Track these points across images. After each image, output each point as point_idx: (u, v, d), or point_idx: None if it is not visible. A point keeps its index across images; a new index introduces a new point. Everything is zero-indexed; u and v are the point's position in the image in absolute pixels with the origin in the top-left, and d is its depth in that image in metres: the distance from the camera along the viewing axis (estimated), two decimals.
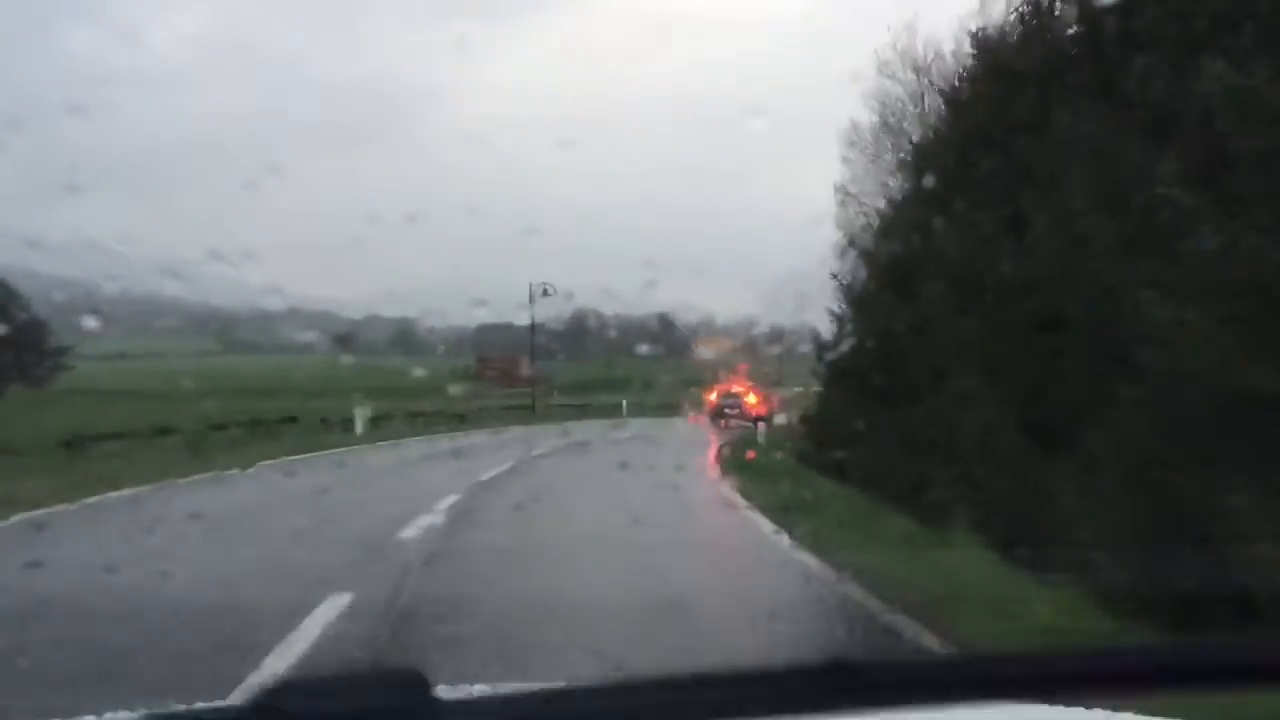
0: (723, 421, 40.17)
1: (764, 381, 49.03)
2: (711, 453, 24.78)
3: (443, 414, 40.23)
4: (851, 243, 28.73)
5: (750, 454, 22.76)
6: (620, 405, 48.72)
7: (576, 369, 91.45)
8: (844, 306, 20.89)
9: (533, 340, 37.09)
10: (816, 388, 23.89)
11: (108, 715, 1.68)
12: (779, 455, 22.61)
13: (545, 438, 27.43)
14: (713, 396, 43.25)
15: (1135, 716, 1.57)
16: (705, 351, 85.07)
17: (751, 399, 41.26)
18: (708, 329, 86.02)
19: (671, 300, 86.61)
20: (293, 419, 30.77)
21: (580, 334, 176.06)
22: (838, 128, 31.68)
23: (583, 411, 47.55)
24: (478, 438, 30.65)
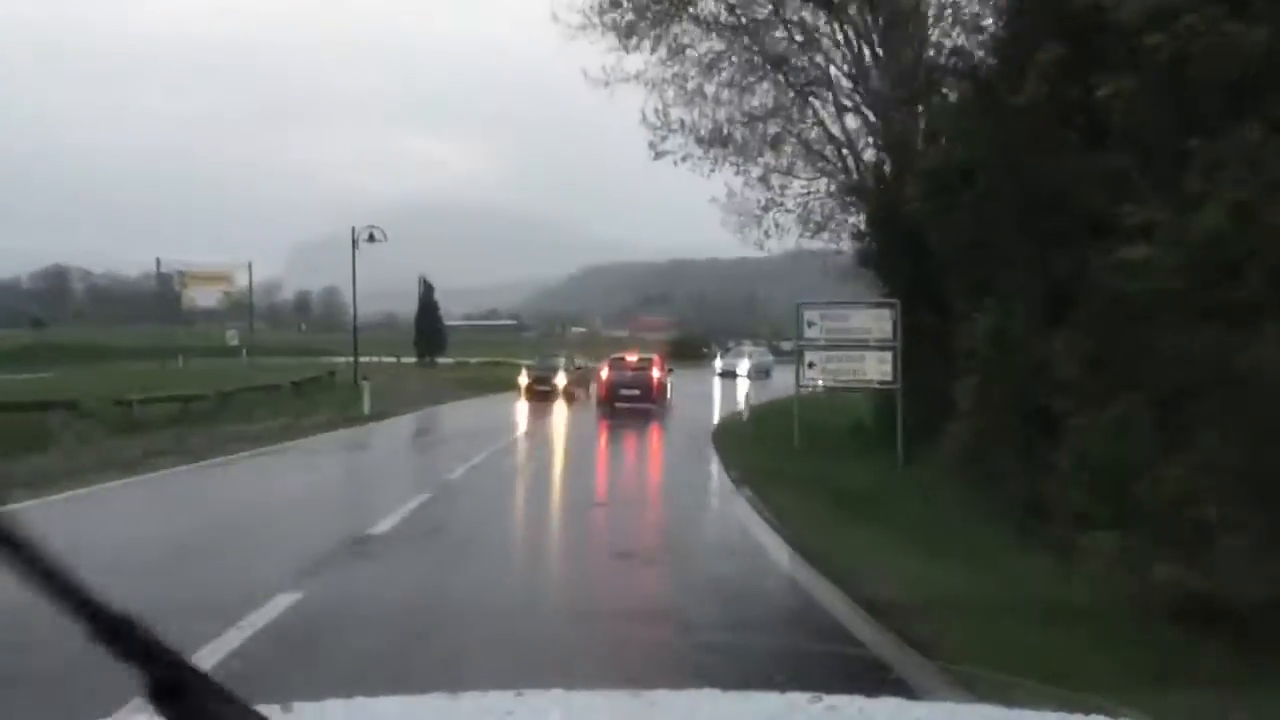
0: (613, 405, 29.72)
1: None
2: None
3: None
4: None
5: None
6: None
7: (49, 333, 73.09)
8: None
9: None
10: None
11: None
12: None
13: None
14: (605, 372, 31.63)
15: (1135, 715, 1.57)
16: (202, 297, 66.69)
17: (656, 373, 31.33)
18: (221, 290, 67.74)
19: (179, 263, 70.23)
20: None
21: (61, 294, 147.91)
22: None
23: None
24: None
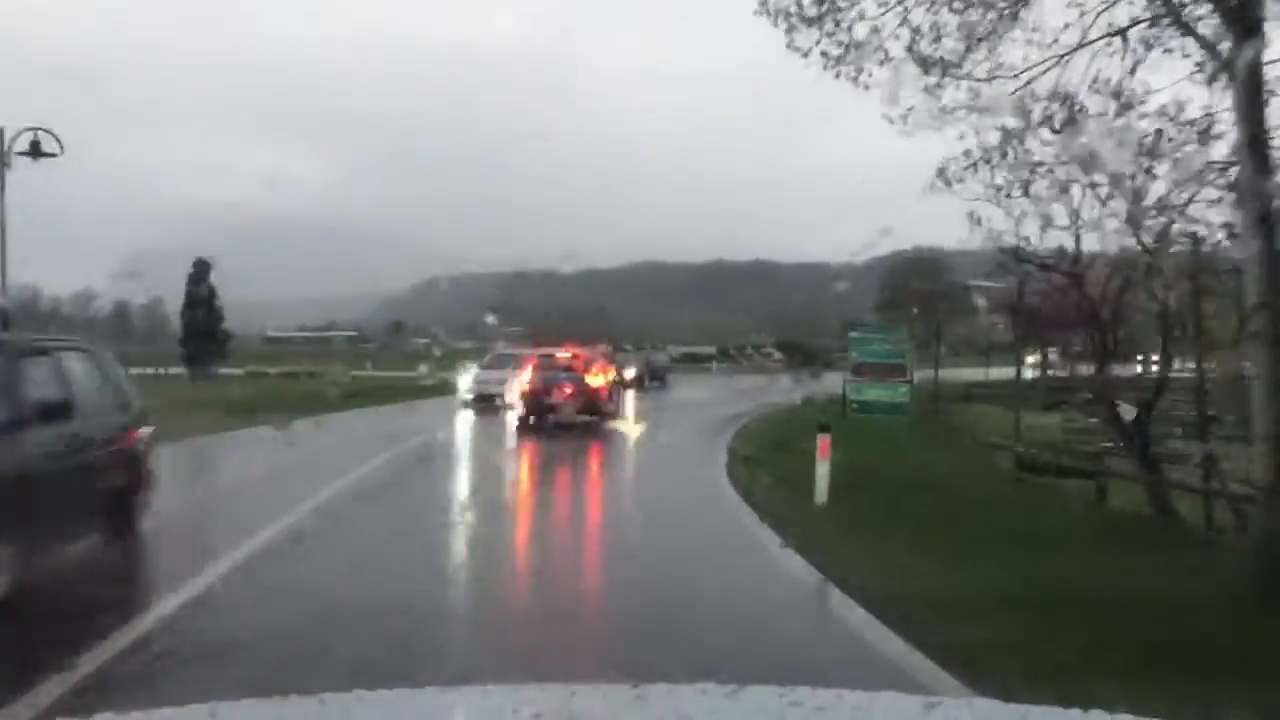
0: (537, 419, 22.72)
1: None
2: None
3: None
4: None
5: None
6: None
7: None
8: None
9: None
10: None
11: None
12: None
13: None
14: (526, 376, 23.72)
15: (1133, 717, 1.51)
16: None
17: (598, 378, 23.83)
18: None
19: None
20: None
21: None
22: None
23: None
24: None
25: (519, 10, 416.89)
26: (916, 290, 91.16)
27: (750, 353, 73.09)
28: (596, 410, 23.19)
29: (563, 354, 24.36)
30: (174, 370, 51.18)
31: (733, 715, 1.51)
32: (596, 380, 23.64)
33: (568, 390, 22.87)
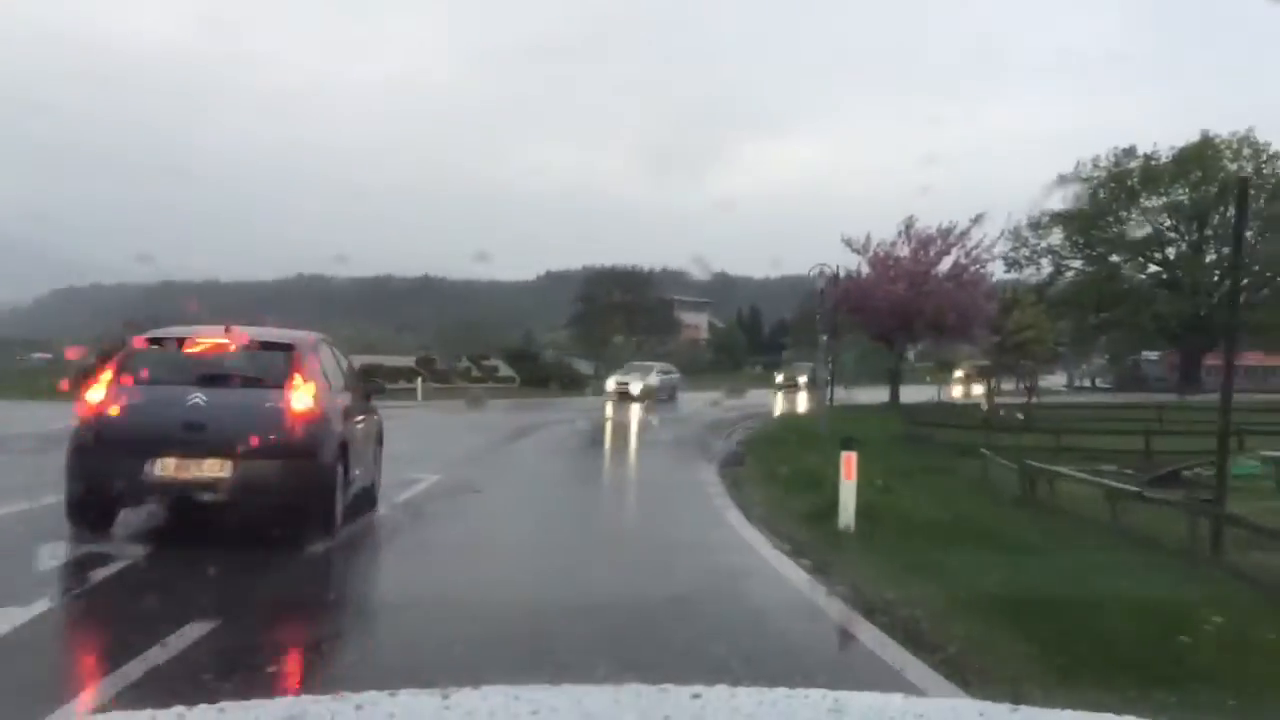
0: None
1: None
2: None
3: None
4: None
5: None
6: None
7: None
8: None
9: None
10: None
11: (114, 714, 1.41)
12: None
13: None
14: (96, 394, 8.79)
15: (1130, 719, 1.50)
16: None
17: (303, 395, 8.96)
18: None
19: None
20: None
21: None
22: None
23: None
24: None
25: (177, 11, 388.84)
26: (618, 303, 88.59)
27: (469, 367, 50.45)
28: (310, 496, 8.96)
29: (212, 341, 9.68)
30: None
31: (730, 716, 1.49)
32: (302, 405, 9.14)
33: (207, 443, 8.81)
